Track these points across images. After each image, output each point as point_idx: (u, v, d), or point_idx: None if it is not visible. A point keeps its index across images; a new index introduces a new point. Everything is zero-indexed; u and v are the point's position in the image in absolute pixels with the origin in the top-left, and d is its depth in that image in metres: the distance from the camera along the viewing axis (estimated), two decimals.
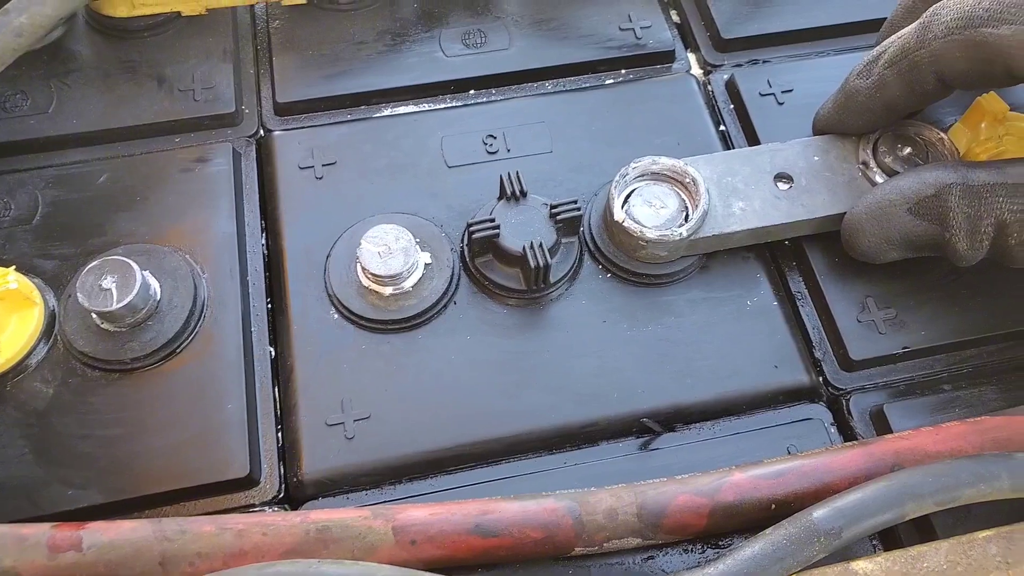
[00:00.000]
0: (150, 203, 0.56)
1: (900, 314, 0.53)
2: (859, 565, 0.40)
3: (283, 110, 0.62)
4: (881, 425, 0.50)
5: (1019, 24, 0.43)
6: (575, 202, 0.53)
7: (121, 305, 0.48)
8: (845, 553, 0.42)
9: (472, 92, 0.63)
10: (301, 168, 0.58)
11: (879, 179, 0.54)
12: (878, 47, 0.52)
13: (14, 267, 0.50)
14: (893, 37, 0.51)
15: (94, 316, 0.50)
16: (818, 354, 0.53)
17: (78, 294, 0.48)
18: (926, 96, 0.51)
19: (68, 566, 0.40)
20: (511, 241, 0.52)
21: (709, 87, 0.65)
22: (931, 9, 0.48)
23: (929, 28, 0.48)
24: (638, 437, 0.50)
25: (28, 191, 0.57)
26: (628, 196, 0.54)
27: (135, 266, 0.49)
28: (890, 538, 0.47)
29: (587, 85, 0.64)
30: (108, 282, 0.49)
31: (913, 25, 0.49)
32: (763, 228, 0.54)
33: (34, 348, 0.50)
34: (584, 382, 0.51)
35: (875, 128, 0.54)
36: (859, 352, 0.52)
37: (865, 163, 0.55)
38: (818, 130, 0.58)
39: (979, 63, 0.46)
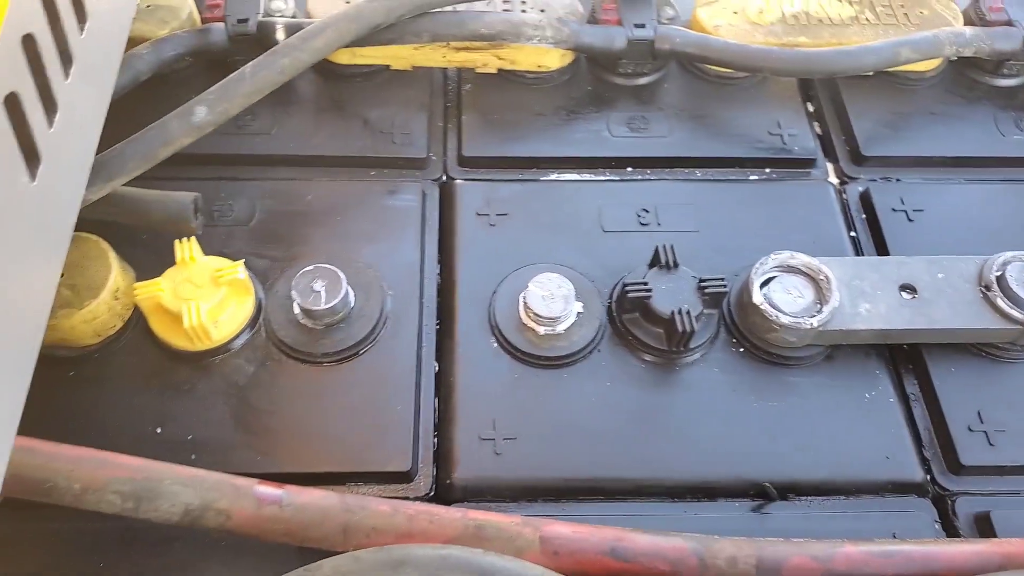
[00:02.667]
0: (347, 224, 0.66)
1: (1011, 429, 0.57)
2: None
3: (466, 162, 0.71)
4: (986, 530, 0.53)
5: None
6: (723, 279, 0.59)
7: (327, 306, 0.57)
8: None
9: (630, 169, 0.71)
10: (478, 215, 0.67)
11: (1000, 303, 0.59)
12: None
13: (243, 261, 0.59)
14: None
15: (297, 312, 0.59)
16: (927, 453, 0.58)
17: (292, 291, 0.57)
18: None
19: (270, 518, 0.47)
20: (661, 304, 0.58)
21: (844, 196, 0.71)
22: None
23: None
24: (753, 499, 0.55)
25: (248, 198, 0.67)
26: (766, 282, 0.61)
27: (342, 275, 0.58)
28: None
29: (733, 178, 0.71)
30: (319, 285, 0.57)
31: None
32: (885, 331, 0.59)
33: (243, 331, 0.59)
34: (709, 442, 0.57)
35: None
36: (969, 458, 0.56)
37: (987, 287, 0.60)
38: None
39: None
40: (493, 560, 0.43)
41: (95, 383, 0.57)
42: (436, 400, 0.59)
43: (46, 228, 0.44)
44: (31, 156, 0.41)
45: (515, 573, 0.43)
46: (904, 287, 0.60)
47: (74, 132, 0.46)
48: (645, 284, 0.59)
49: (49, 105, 0.42)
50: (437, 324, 0.62)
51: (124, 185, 0.57)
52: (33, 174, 0.41)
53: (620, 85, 0.75)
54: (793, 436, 0.57)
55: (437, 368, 0.60)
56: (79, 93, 0.46)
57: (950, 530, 0.54)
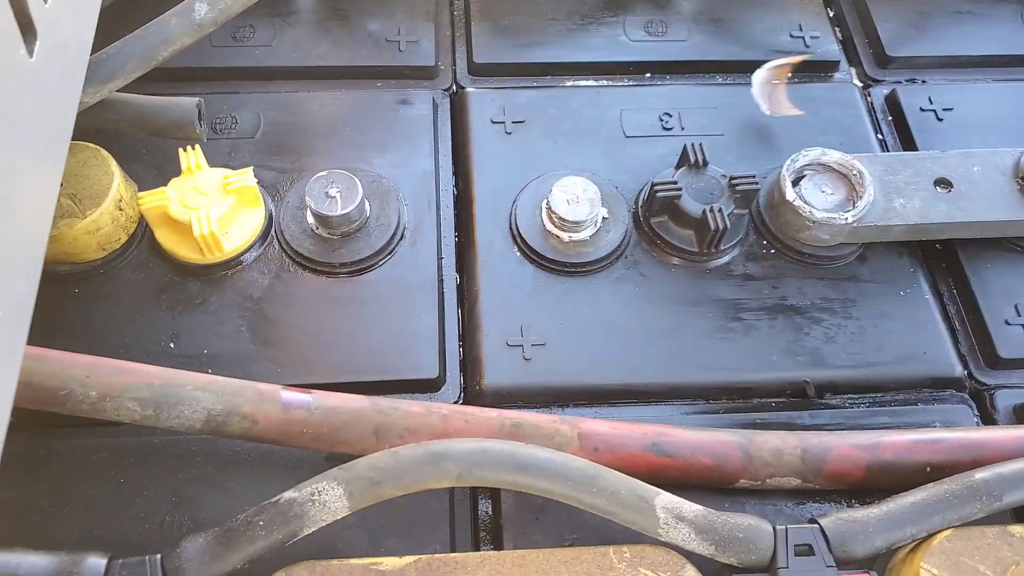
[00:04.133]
0: (356, 134, 0.63)
1: None
2: (1017, 529, 0.43)
3: (477, 70, 0.67)
4: None
5: None
6: (754, 176, 0.57)
7: (342, 213, 0.54)
8: (998, 519, 0.44)
9: (649, 75, 0.68)
10: (493, 122, 0.64)
11: None
12: None
13: (252, 167, 0.56)
14: None
15: (311, 221, 0.56)
16: (964, 349, 0.56)
17: (307, 197, 0.54)
18: None
19: (298, 421, 0.45)
20: (691, 204, 0.56)
21: (869, 99, 0.69)
22: None
23: None
24: (790, 399, 0.54)
25: (252, 111, 0.63)
26: (798, 180, 0.59)
27: (358, 181, 0.55)
28: None
29: None
30: (334, 191, 0.54)
31: None
32: (921, 225, 0.57)
33: (255, 243, 0.56)
34: (743, 343, 0.55)
35: None
36: (1007, 351, 0.55)
37: None
38: None
39: None
40: (536, 452, 0.42)
41: (102, 300, 0.54)
42: (459, 311, 0.57)
43: (46, 117, 0.40)
44: (27, 29, 0.37)
45: (558, 465, 0.42)
46: (939, 181, 0.58)
47: (70, 11, 0.42)
48: (675, 183, 0.57)
49: None
50: (456, 236, 0.60)
51: (123, 92, 0.54)
52: (30, 50, 0.37)
53: None
54: (827, 335, 0.55)
55: (459, 280, 0.58)
56: None
57: (989, 423, 0.54)
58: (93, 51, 0.51)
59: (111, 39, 0.53)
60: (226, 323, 0.54)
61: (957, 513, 0.43)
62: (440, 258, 0.58)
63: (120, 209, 0.54)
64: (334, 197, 0.54)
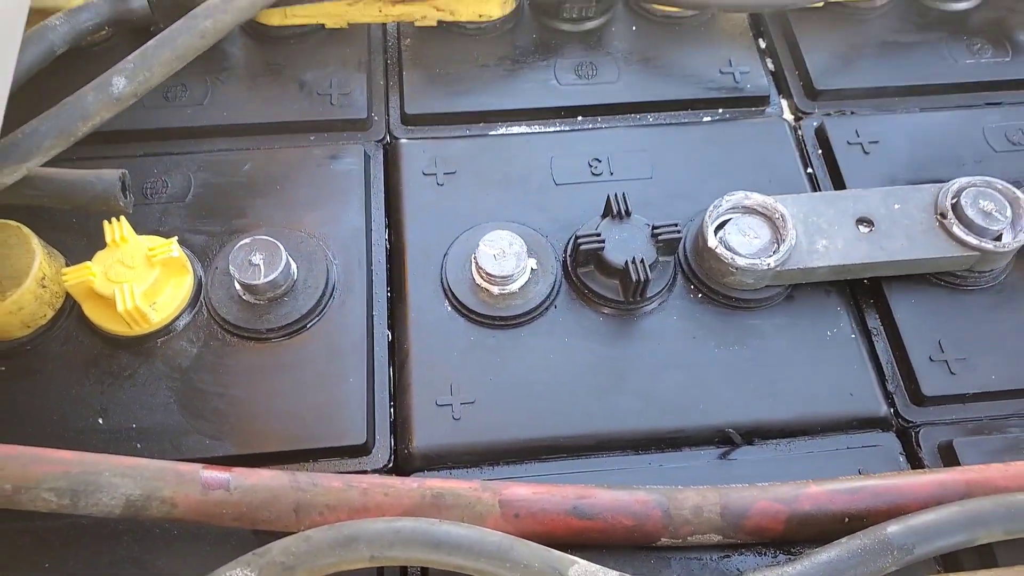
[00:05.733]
0: (288, 192, 0.63)
1: (972, 357, 0.57)
2: None
3: (410, 120, 0.68)
4: (950, 459, 0.53)
5: None
6: (676, 225, 0.57)
7: (267, 280, 0.54)
8: (912, 572, 0.45)
9: (580, 118, 0.69)
10: (425, 174, 0.64)
11: (956, 230, 0.58)
12: None
13: (176, 238, 0.56)
14: None
15: (238, 288, 0.56)
16: (891, 387, 0.57)
17: (230, 267, 0.55)
18: None
19: (217, 502, 0.45)
20: (614, 255, 0.57)
21: (799, 132, 0.69)
22: None
23: None
24: (719, 447, 0.55)
25: (183, 172, 0.63)
26: (722, 225, 0.59)
27: (281, 246, 0.55)
28: (952, 564, 0.50)
29: (686, 120, 0.69)
30: (257, 258, 0.55)
31: None
32: (844, 266, 0.58)
33: (183, 312, 0.56)
34: (671, 392, 0.55)
35: None
36: (931, 389, 0.56)
37: (943, 214, 0.59)
38: None
39: None
40: (448, 529, 0.42)
41: (29, 376, 0.54)
42: (391, 369, 0.57)
43: None
44: None
45: (472, 540, 0.42)
46: (861, 220, 0.59)
47: None
48: (598, 235, 0.57)
49: None
50: (388, 291, 0.60)
51: (45, 166, 0.54)
52: None
53: (566, 31, 0.72)
54: (756, 380, 0.56)
55: (390, 337, 0.59)
56: None
57: (914, 462, 0.54)
58: (9, 129, 0.52)
59: (36, 111, 0.53)
60: (155, 395, 0.54)
61: (869, 568, 0.43)
62: (371, 315, 0.58)
63: (43, 287, 0.54)
64: (257, 264, 0.55)
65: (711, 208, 0.59)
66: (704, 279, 0.59)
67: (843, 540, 0.44)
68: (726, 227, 0.59)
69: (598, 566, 0.43)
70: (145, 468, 0.45)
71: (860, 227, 0.59)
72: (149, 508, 0.45)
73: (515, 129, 0.68)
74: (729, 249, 0.57)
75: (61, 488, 0.43)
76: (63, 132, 0.53)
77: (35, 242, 0.54)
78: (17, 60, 0.53)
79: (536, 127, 0.68)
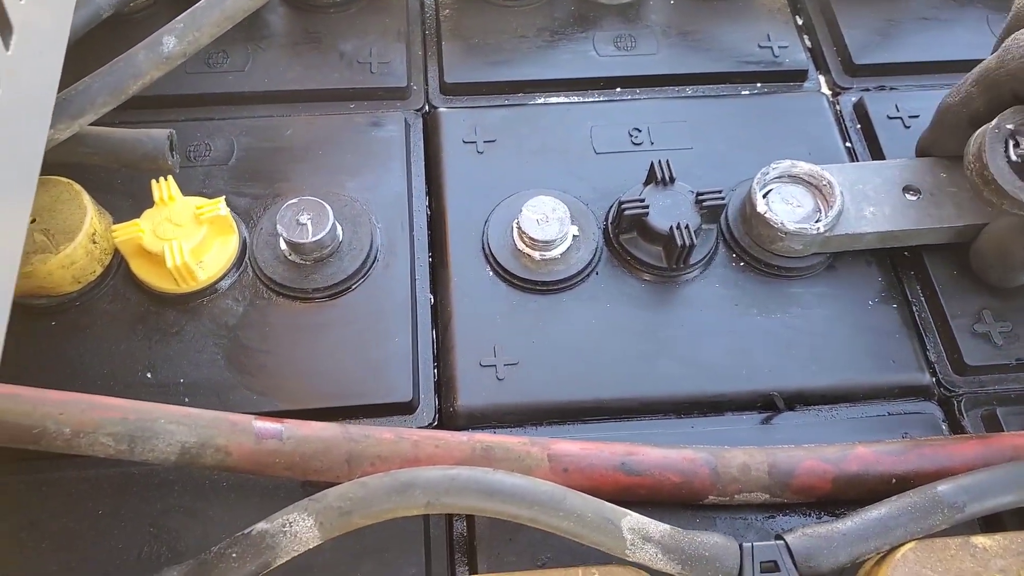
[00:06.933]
0: (329, 158, 0.63)
1: (1016, 328, 0.57)
2: (979, 540, 0.44)
3: (449, 90, 0.68)
4: (993, 428, 0.53)
5: None
6: (720, 192, 0.58)
7: (314, 240, 0.55)
8: (961, 530, 0.45)
9: (619, 90, 0.69)
10: (465, 142, 0.64)
11: None
12: (970, 72, 0.56)
13: (224, 197, 0.56)
14: (982, 62, 0.55)
15: (284, 248, 0.57)
16: (932, 356, 0.57)
17: (277, 225, 0.55)
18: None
19: (270, 452, 0.46)
20: (659, 221, 0.57)
21: (838, 107, 0.69)
22: (1013, 35, 0.53)
23: (1008, 51, 0.52)
24: (761, 412, 0.55)
25: (225, 137, 0.64)
26: (766, 194, 0.59)
27: (328, 207, 0.56)
28: (994, 525, 0.50)
29: (725, 94, 0.69)
30: (304, 218, 0.55)
31: (996, 52, 0.54)
32: (892, 232, 0.58)
33: (229, 271, 0.57)
34: (714, 357, 0.56)
35: (961, 147, 0.56)
36: (973, 358, 0.56)
37: None
38: (919, 150, 0.62)
39: None
40: (502, 478, 0.42)
41: (79, 331, 0.55)
42: (434, 331, 0.58)
43: (14, 152, 0.41)
44: (3, 25, 0.38)
45: (525, 489, 0.42)
46: (907, 188, 0.59)
47: (39, 35, 0.43)
48: (642, 201, 0.58)
49: None
50: (430, 256, 0.61)
51: (95, 125, 0.54)
52: (7, 43, 0.38)
53: (604, 3, 0.72)
54: (798, 347, 0.56)
55: (432, 300, 0.59)
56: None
57: (957, 430, 0.54)
58: (62, 87, 0.52)
59: (80, 75, 0.53)
60: (202, 352, 0.54)
61: (920, 525, 0.43)
62: (414, 279, 0.59)
63: (94, 242, 0.54)
64: (305, 224, 0.55)
65: (759, 174, 0.59)
66: (747, 247, 0.59)
67: (893, 498, 0.45)
68: (769, 196, 0.59)
69: (649, 519, 0.43)
70: (199, 417, 0.46)
71: (907, 195, 0.59)
72: (203, 456, 0.45)
73: (554, 99, 0.68)
74: (777, 215, 0.57)
75: (119, 433, 0.44)
76: (115, 90, 0.54)
77: (86, 198, 0.55)
78: None
79: (575, 98, 0.68)
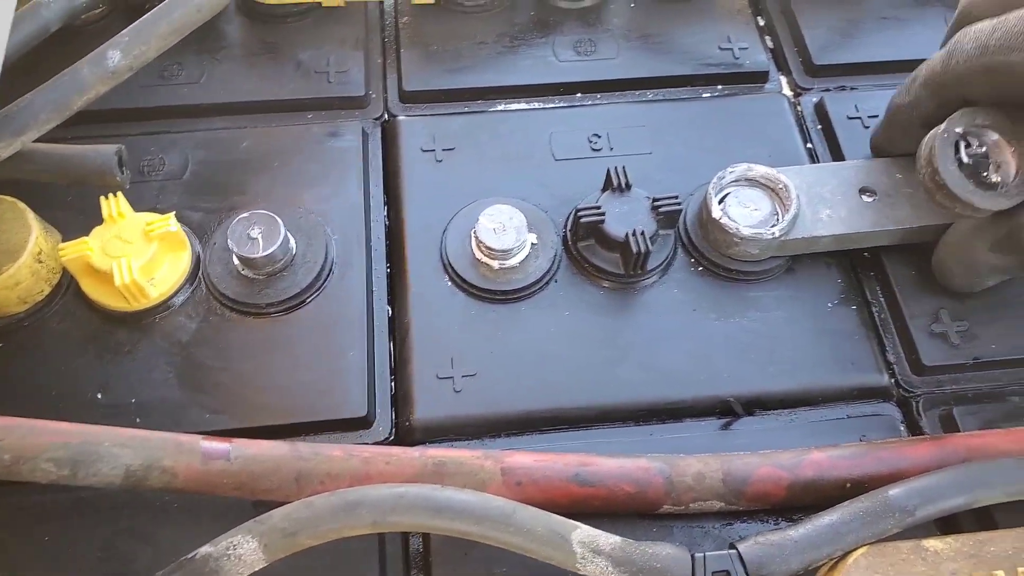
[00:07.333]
0: (286, 170, 0.62)
1: (972, 327, 0.57)
2: (930, 543, 0.44)
3: (408, 98, 0.67)
4: (950, 428, 0.53)
5: None
6: (676, 197, 0.57)
7: (265, 254, 0.54)
8: (915, 533, 0.45)
9: (579, 95, 0.69)
10: (423, 151, 0.64)
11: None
12: (917, 69, 0.56)
13: (174, 213, 0.56)
14: (928, 60, 0.55)
15: (237, 263, 0.56)
16: (891, 357, 0.57)
17: (228, 240, 0.54)
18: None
19: (218, 472, 0.45)
20: (615, 228, 0.57)
21: (799, 108, 0.69)
22: (955, 36, 0.52)
23: (952, 54, 0.51)
24: (720, 418, 0.54)
25: (180, 151, 0.63)
26: (723, 198, 0.59)
27: (280, 220, 0.55)
28: (951, 526, 0.50)
29: (685, 97, 0.69)
30: (256, 232, 0.54)
31: (942, 51, 0.53)
32: (848, 235, 0.57)
33: (182, 287, 0.56)
34: (673, 363, 0.55)
35: (915, 146, 0.56)
36: (931, 359, 0.55)
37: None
38: (874, 149, 0.62)
39: (997, 86, 0.50)
40: (451, 495, 0.42)
41: (27, 352, 0.54)
42: (391, 344, 0.57)
43: None
44: None
45: (473, 505, 0.42)
46: (864, 190, 0.59)
47: None
48: (598, 208, 0.57)
49: None
50: (387, 267, 0.60)
51: (41, 141, 0.54)
52: None
53: (564, 8, 0.72)
54: (756, 351, 0.56)
55: (390, 312, 0.58)
56: None
57: (915, 430, 0.54)
58: (4, 103, 0.51)
59: (21, 93, 0.52)
60: (154, 370, 0.54)
61: (871, 530, 0.43)
62: (371, 291, 0.58)
63: (40, 262, 0.53)
64: (256, 239, 0.54)
65: (715, 180, 0.58)
66: (705, 252, 0.58)
67: (845, 504, 0.44)
68: (726, 200, 0.59)
69: (600, 531, 0.43)
70: (145, 439, 0.45)
71: (863, 196, 0.58)
72: (149, 478, 0.44)
73: (514, 106, 0.68)
74: (732, 220, 0.57)
75: (61, 458, 0.43)
76: (58, 105, 0.53)
77: (31, 217, 0.54)
78: (9, 37, 0.53)
79: (535, 104, 0.68)
